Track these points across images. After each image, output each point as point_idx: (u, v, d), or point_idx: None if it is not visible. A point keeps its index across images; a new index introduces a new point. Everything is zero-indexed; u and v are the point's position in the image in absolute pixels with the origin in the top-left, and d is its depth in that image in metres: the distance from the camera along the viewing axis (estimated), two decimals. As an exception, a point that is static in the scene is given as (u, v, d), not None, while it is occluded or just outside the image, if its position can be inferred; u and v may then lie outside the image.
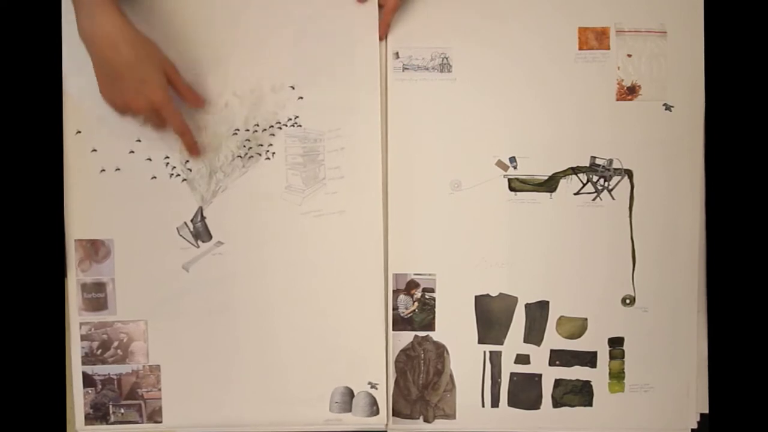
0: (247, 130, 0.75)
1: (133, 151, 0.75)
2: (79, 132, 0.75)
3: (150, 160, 0.75)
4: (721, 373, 0.66)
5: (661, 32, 0.76)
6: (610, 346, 0.77)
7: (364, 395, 0.76)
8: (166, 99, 0.68)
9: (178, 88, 0.71)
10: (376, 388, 0.76)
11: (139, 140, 0.75)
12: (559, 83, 0.76)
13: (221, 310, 0.76)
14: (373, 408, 0.76)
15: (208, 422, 0.77)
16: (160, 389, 0.76)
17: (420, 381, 0.78)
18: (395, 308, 0.77)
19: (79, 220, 0.75)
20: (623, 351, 0.77)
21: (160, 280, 0.76)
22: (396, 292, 0.77)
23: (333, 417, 0.76)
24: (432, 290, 0.77)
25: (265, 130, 0.75)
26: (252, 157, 0.75)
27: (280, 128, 0.75)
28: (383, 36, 0.75)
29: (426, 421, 0.78)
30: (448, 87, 0.76)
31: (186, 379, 0.76)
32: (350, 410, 0.76)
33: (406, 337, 0.78)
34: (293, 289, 0.76)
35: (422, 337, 0.78)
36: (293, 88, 0.75)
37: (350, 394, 0.76)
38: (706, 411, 0.76)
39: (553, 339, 0.77)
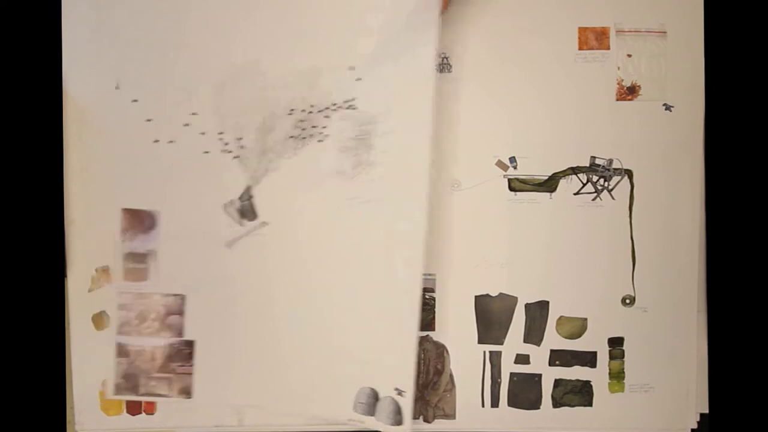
0: (303, 110, 0.74)
1: (188, 124, 0.74)
2: (136, 101, 0.74)
3: (204, 134, 0.74)
4: (721, 373, 0.66)
5: (661, 32, 0.76)
6: (609, 346, 0.77)
7: (390, 401, 0.74)
8: None
9: None
10: (403, 395, 0.73)
11: (195, 113, 0.74)
12: (559, 83, 0.76)
13: (259, 291, 0.75)
14: (397, 417, 0.74)
15: (233, 401, 0.76)
16: (192, 365, 0.76)
17: (420, 381, 0.78)
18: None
19: (128, 189, 0.75)
20: (623, 351, 0.77)
21: (201, 256, 0.75)
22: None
23: (356, 417, 0.75)
24: (432, 290, 0.77)
25: (320, 111, 0.74)
26: (305, 138, 0.74)
27: (335, 110, 0.74)
28: (445, 8, 0.73)
29: (426, 421, 0.78)
30: (447, 87, 0.76)
31: (218, 357, 0.76)
32: (374, 414, 0.74)
33: (406, 337, 0.78)
34: (331, 276, 0.75)
35: (422, 336, 0.77)
36: (352, 69, 0.74)
37: (375, 396, 0.75)
38: (706, 411, 0.76)
39: (553, 339, 0.77)
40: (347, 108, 0.74)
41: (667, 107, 0.76)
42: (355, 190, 0.74)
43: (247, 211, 0.74)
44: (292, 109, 0.74)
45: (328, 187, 0.74)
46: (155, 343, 0.76)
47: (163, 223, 0.75)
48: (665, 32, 0.76)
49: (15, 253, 0.66)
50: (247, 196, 0.74)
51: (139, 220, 0.75)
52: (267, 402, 0.76)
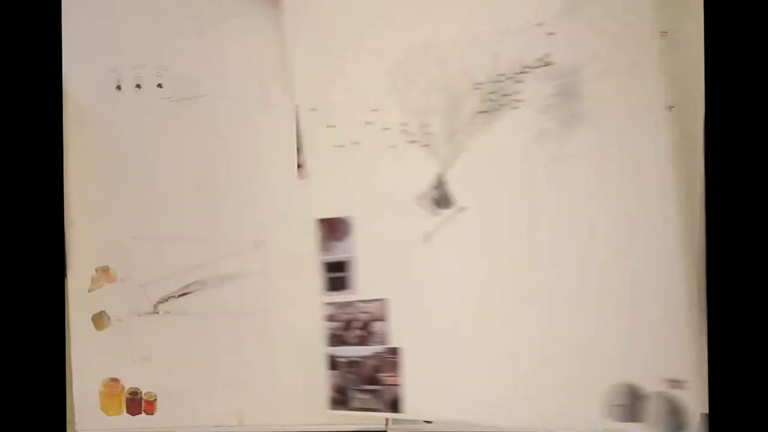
0: (491, 81, 0.70)
1: (369, 122, 0.72)
2: (314, 109, 0.73)
3: (387, 129, 0.72)
4: (721, 373, 0.66)
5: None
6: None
7: (661, 399, 0.62)
8: None
9: None
10: (684, 388, 0.63)
11: (375, 110, 0.72)
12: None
13: (466, 282, 0.70)
14: (676, 419, 0.61)
15: (447, 417, 0.70)
16: (400, 375, 0.72)
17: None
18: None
19: (320, 200, 0.73)
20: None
21: (400, 255, 0.71)
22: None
23: (610, 426, 0.67)
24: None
25: (509, 78, 0.69)
26: (496, 110, 0.69)
27: (528, 72, 0.69)
28: None
29: (426, 421, 0.78)
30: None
31: (427, 364, 0.71)
32: (638, 419, 0.63)
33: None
34: (559, 252, 0.68)
35: (422, 337, 0.77)
36: (540, 25, 0.69)
37: (637, 395, 0.63)
38: (706, 411, 0.76)
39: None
40: (543, 66, 0.68)
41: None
42: (567, 148, 0.67)
43: (442, 199, 0.70)
44: (478, 83, 0.70)
45: (531, 152, 0.68)
46: (362, 353, 0.73)
47: (357, 228, 0.72)
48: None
49: (15, 253, 0.66)
50: (440, 184, 0.70)
51: (334, 229, 0.73)
52: (481, 414, 0.68)
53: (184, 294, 0.77)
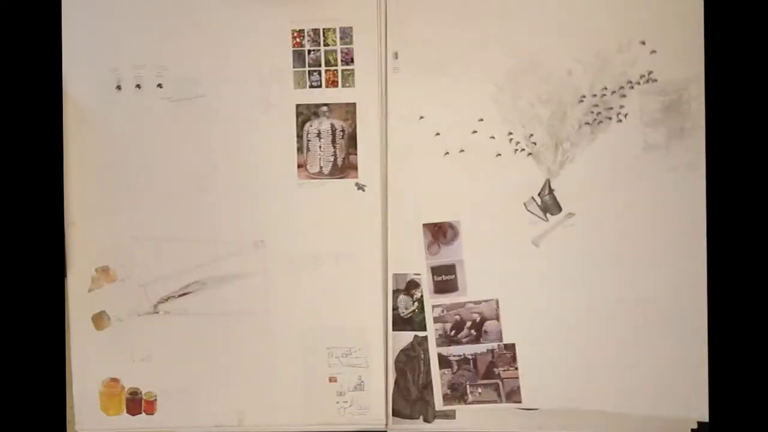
0: (594, 95, 0.73)
1: (476, 131, 0.74)
2: (422, 117, 0.75)
3: (493, 138, 0.74)
4: (721, 373, 0.66)
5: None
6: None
7: None
8: None
9: None
10: None
11: (481, 119, 0.74)
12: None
13: (575, 285, 0.74)
14: None
15: (563, 403, 0.75)
16: (516, 368, 0.75)
17: (420, 381, 0.78)
18: (395, 308, 0.77)
19: (427, 204, 0.76)
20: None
21: (509, 258, 0.75)
22: (396, 293, 0.77)
23: None
24: (433, 290, 0.77)
25: (614, 92, 0.73)
26: (601, 122, 0.73)
27: (632, 87, 0.73)
28: None
29: (426, 421, 0.78)
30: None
31: (541, 358, 0.75)
32: None
33: (406, 337, 0.78)
34: (663, 258, 0.73)
35: (422, 337, 0.78)
36: (644, 43, 0.72)
37: None
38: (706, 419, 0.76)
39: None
40: (645, 82, 0.72)
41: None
42: (674, 160, 0.72)
43: (549, 205, 0.74)
44: (583, 96, 0.73)
45: (638, 164, 0.73)
46: (476, 351, 0.76)
47: (465, 232, 0.75)
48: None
49: (15, 253, 0.66)
50: (547, 191, 0.73)
51: (442, 233, 0.75)
52: (595, 399, 0.75)
53: (184, 294, 0.77)
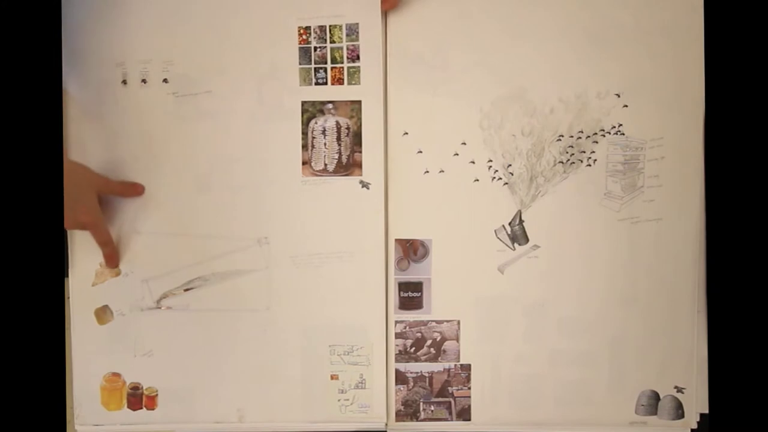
0: (571, 136, 0.76)
1: (457, 154, 0.76)
2: (406, 133, 0.76)
3: (473, 163, 0.76)
4: (721, 373, 0.66)
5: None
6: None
7: (671, 399, 0.76)
8: (93, 221, 0.73)
9: (114, 192, 0.75)
10: (683, 392, 0.76)
11: (464, 143, 0.75)
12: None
13: (534, 313, 0.77)
14: (679, 412, 0.77)
15: (514, 421, 0.78)
16: (469, 388, 0.77)
17: (421, 380, 0.78)
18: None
19: (400, 220, 0.76)
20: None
21: (474, 281, 0.76)
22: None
23: (638, 419, 0.77)
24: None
25: (588, 137, 0.76)
26: (573, 163, 0.76)
27: (603, 135, 0.76)
28: None
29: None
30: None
31: (495, 378, 0.77)
32: (656, 413, 0.77)
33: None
34: (611, 292, 0.77)
35: (423, 335, 0.78)
36: (619, 95, 0.75)
37: (656, 397, 0.77)
38: (706, 411, 0.76)
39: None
40: (615, 134, 0.75)
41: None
42: (626, 211, 0.76)
43: (518, 235, 0.76)
44: (561, 135, 0.75)
45: (599, 209, 0.76)
46: (433, 369, 0.77)
47: (436, 251, 0.76)
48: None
49: (15, 252, 0.65)
50: (518, 221, 0.75)
51: (413, 249, 0.76)
52: (550, 414, 0.77)
53: (186, 290, 0.77)
